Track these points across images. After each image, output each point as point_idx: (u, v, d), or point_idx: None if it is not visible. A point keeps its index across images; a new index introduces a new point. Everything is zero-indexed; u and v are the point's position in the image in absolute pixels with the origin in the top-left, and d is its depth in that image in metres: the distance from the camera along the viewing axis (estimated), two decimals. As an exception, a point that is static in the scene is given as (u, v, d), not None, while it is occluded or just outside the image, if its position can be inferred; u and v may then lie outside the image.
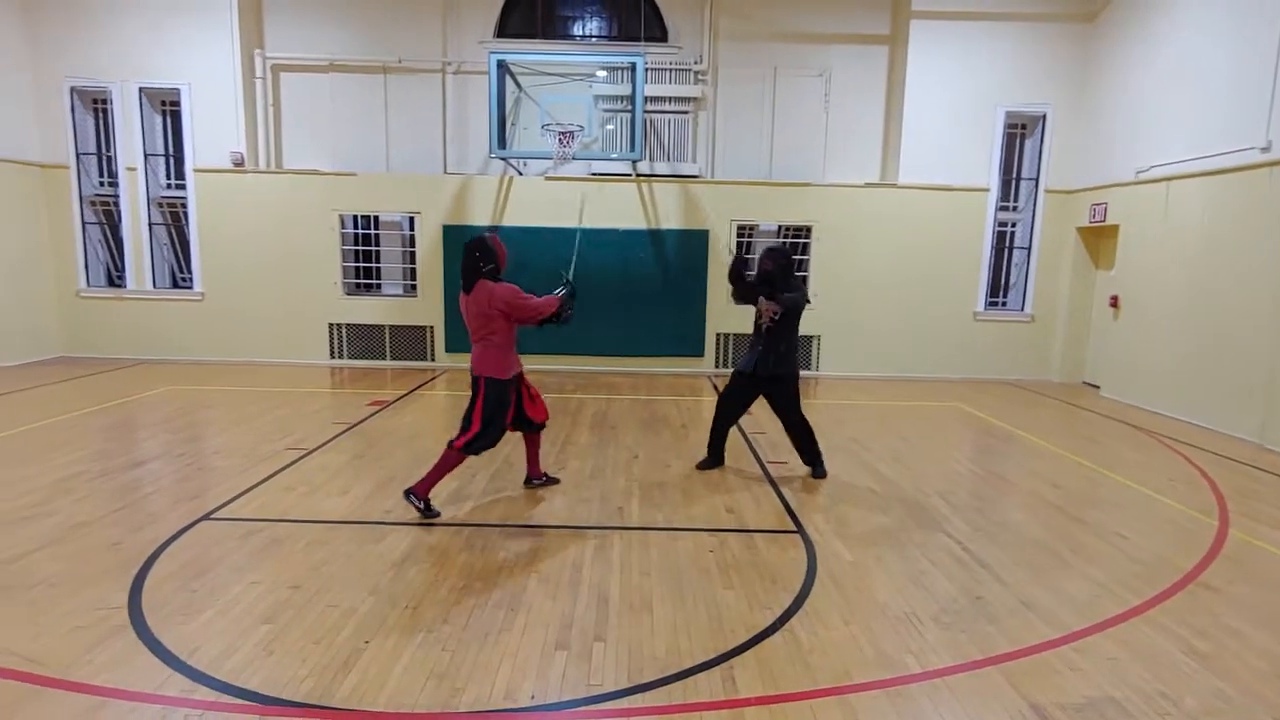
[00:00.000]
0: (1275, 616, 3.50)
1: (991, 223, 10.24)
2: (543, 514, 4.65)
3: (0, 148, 9.42)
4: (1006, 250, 10.64)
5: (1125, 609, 3.53)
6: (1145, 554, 4.24)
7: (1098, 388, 9.68)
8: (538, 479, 5.20)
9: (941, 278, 10.23)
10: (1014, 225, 10.58)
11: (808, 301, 5.50)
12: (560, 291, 4.72)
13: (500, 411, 4.55)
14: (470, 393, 4.56)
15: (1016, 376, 10.42)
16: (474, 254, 4.43)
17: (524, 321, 4.55)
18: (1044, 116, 10.08)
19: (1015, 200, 10.52)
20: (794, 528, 4.52)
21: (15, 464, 5.37)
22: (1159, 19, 8.63)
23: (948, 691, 2.80)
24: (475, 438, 4.49)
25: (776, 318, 5.36)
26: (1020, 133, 10.43)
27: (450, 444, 4.53)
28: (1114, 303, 9.25)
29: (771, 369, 5.42)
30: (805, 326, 10.30)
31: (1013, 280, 10.67)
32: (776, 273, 5.42)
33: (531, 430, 4.99)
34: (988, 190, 10.17)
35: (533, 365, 10.22)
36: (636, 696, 2.72)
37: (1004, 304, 10.68)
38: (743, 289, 5.50)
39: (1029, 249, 10.39)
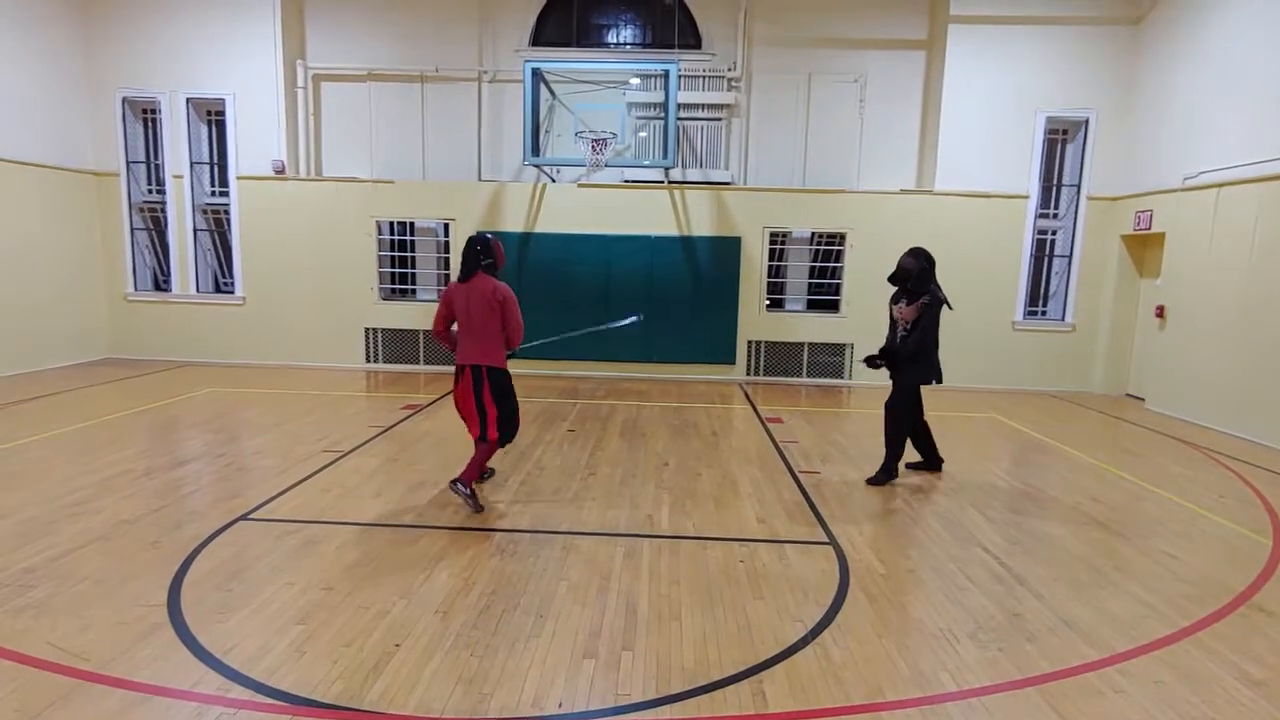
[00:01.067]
0: (1334, 642, 3.35)
1: (1031, 230, 10.02)
2: (573, 520, 4.65)
3: (57, 156, 9.78)
4: (1046, 258, 10.40)
5: (1173, 630, 3.41)
6: (1194, 573, 4.09)
7: (1142, 400, 9.40)
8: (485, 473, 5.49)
9: (979, 286, 10.02)
10: (1054, 233, 10.34)
11: (945, 305, 5.39)
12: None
13: (511, 395, 4.83)
14: (471, 386, 4.69)
15: (1056, 388, 10.17)
16: (475, 247, 4.72)
17: (510, 326, 4.70)
18: (1086, 122, 9.85)
19: (1056, 207, 10.29)
20: (826, 539, 4.45)
21: (64, 462, 5.54)
22: (1209, 20, 8.38)
23: (984, 712, 2.73)
24: (508, 428, 4.82)
25: (910, 327, 5.36)
26: (1061, 138, 10.20)
27: (486, 440, 4.77)
28: (1160, 313, 8.98)
29: (907, 380, 5.48)
30: (837, 334, 10.26)
31: (1053, 289, 10.43)
32: (915, 272, 5.35)
33: None
34: (1027, 197, 9.96)
35: (564, 371, 10.30)
36: (664, 708, 2.69)
37: (1044, 313, 10.44)
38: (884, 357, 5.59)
39: (1070, 257, 10.14)
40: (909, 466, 5.97)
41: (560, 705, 2.69)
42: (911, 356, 5.41)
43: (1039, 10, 9.62)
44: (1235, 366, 7.72)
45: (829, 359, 10.35)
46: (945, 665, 3.04)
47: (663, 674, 2.91)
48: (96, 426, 6.69)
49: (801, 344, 10.30)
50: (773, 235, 10.25)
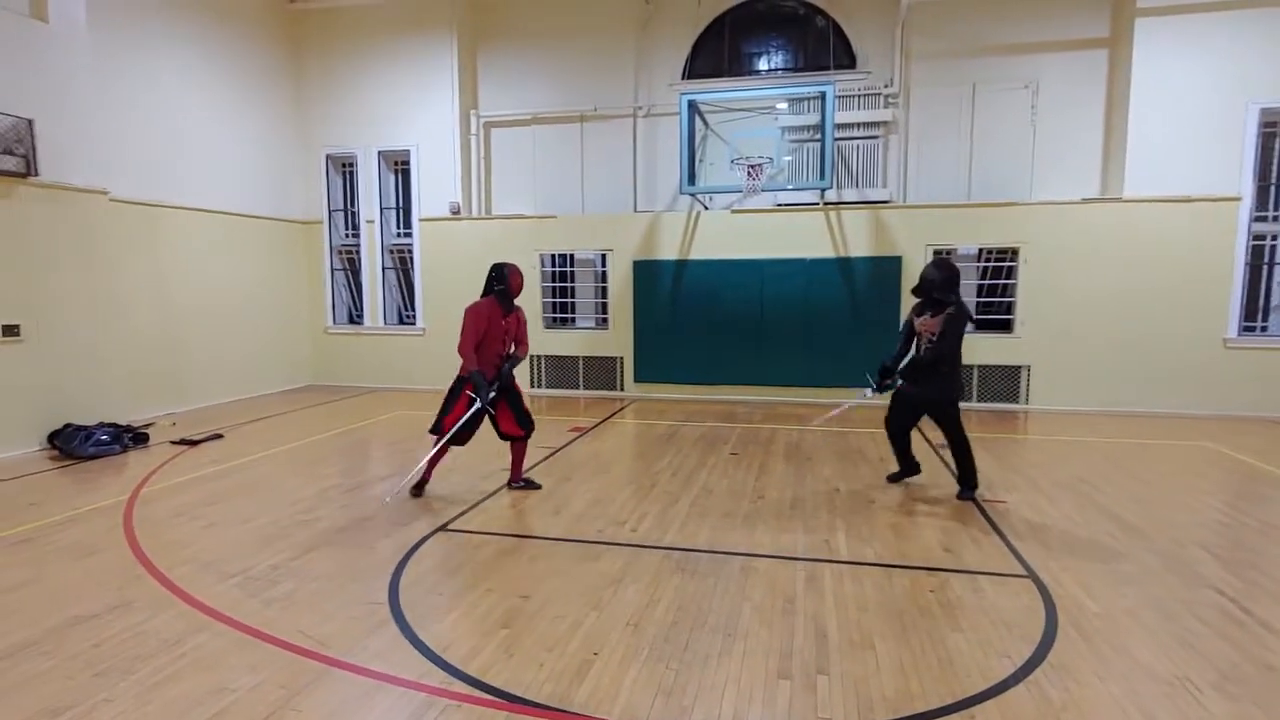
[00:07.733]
0: None
1: (1245, 235, 8.90)
2: (748, 542, 4.64)
3: (273, 208, 11.21)
4: (1265, 267, 9.20)
5: None
6: None
7: (1400, 428, 8.01)
8: (518, 483, 5.95)
9: (1180, 300, 9.02)
10: (1275, 238, 9.13)
11: (970, 320, 5.27)
12: (479, 395, 5.60)
13: (454, 397, 5.75)
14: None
15: (1283, 413, 8.90)
16: (491, 275, 5.68)
17: (460, 340, 5.57)
18: (1312, 111, 8.68)
19: (1276, 209, 9.10)
20: (1023, 572, 4.15)
21: (288, 475, 6.29)
22: None
23: (1245, 771, 2.42)
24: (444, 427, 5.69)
25: (935, 338, 5.27)
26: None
27: (520, 438, 5.72)
28: None
29: (931, 395, 5.39)
30: (1013, 356, 9.58)
31: (1274, 302, 9.18)
32: (939, 282, 5.27)
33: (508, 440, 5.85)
34: (1239, 199, 8.88)
35: (718, 395, 10.32)
36: (870, 735, 2.62)
37: (1264, 329, 9.20)
38: (890, 376, 5.59)
39: (1296, 264, 8.91)
40: (889, 479, 5.90)
41: (762, 723, 2.69)
42: (933, 365, 5.27)
43: (1244, -7, 8.66)
44: None
45: (1003, 382, 9.68)
46: (1188, 717, 2.73)
47: (863, 701, 2.83)
48: (308, 445, 7.52)
49: (971, 366, 9.71)
50: (936, 253, 9.80)
